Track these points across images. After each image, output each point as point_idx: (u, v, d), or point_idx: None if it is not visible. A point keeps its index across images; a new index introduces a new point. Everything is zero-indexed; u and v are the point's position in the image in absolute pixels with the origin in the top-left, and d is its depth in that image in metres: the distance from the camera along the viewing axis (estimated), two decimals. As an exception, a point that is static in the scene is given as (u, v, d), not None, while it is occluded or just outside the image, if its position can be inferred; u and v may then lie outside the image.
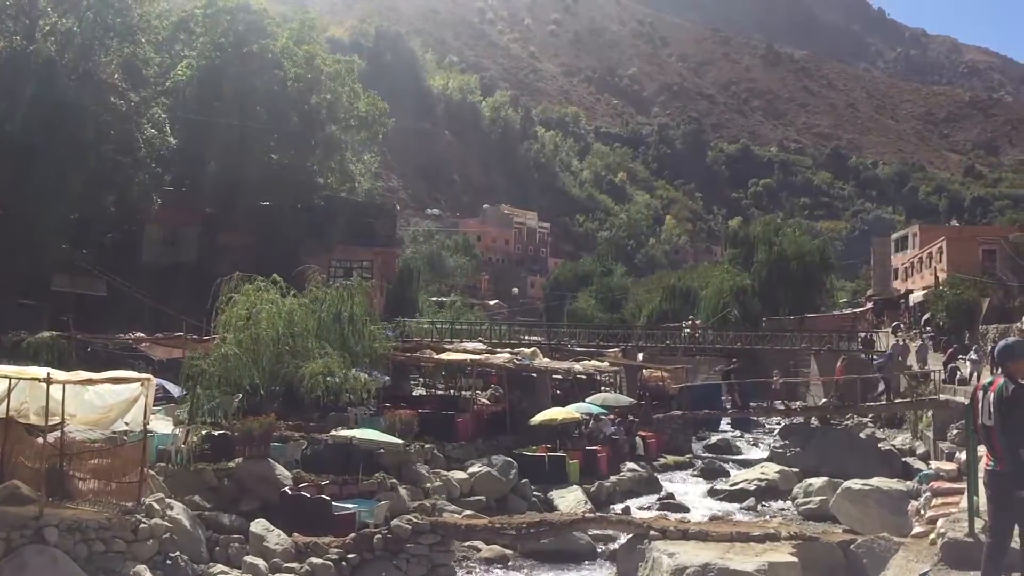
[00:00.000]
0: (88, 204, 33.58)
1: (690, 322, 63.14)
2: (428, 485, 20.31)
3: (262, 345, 20.95)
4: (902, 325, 61.11)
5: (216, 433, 18.74)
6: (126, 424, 14.04)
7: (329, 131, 45.45)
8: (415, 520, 14.71)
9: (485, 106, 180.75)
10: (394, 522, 14.79)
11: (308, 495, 16.64)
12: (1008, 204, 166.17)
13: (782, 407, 38.56)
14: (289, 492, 16.68)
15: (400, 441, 20.37)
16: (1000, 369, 7.11)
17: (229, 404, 20.04)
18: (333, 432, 20.71)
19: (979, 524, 8.38)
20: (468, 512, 19.24)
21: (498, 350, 37.32)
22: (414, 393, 35.41)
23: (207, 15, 43.77)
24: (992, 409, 6.85)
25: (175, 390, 22.60)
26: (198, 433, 18.31)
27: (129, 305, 33.60)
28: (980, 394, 7.13)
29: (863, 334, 53.08)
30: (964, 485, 10.58)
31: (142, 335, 26.19)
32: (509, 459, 23.28)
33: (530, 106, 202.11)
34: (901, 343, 46.18)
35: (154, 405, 15.87)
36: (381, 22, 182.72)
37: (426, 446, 22.51)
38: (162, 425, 18.36)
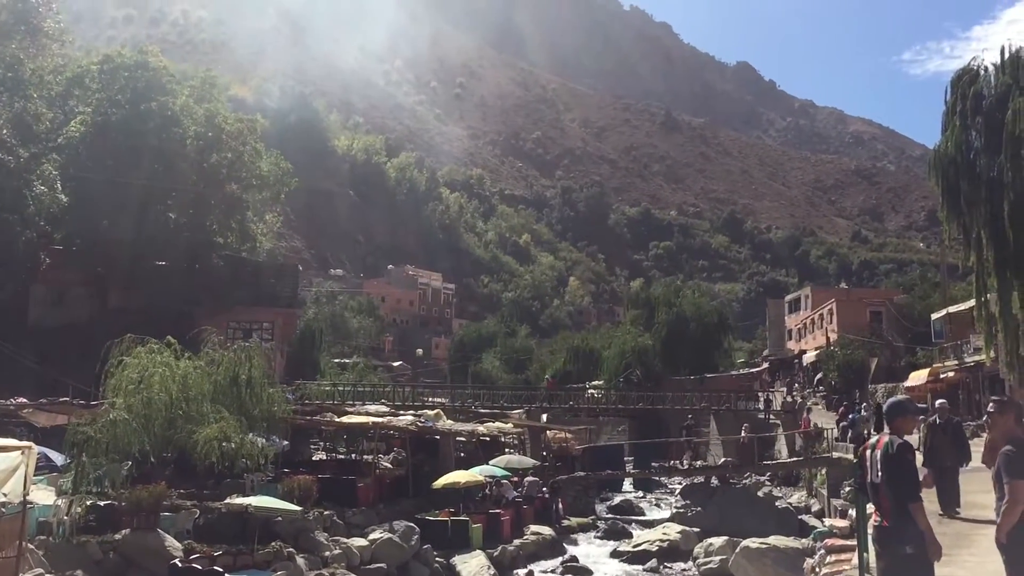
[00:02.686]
0: (-31, 263, 32.21)
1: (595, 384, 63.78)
2: (327, 553, 19.73)
3: (154, 410, 20.25)
4: (796, 384, 62.82)
5: (102, 504, 17.92)
6: (4, 495, 13.27)
7: (229, 190, 44.79)
8: (312, 591, 14.23)
9: (390, 167, 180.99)
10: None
11: (200, 567, 15.94)
12: (893, 268, 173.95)
13: (684, 467, 38.98)
14: (179, 564, 15.96)
15: (298, 508, 19.79)
16: (888, 426, 7.24)
17: (117, 473, 19.16)
18: (228, 500, 19.96)
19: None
20: (368, 581, 18.72)
21: (401, 412, 36.77)
22: (314, 458, 34.55)
23: (104, 71, 42.95)
24: (880, 466, 6.99)
25: (59, 458, 21.53)
26: (82, 504, 17.46)
27: (12, 369, 32.10)
28: (868, 452, 7.20)
29: (761, 394, 54.26)
30: (855, 542, 10.79)
31: (25, 400, 25.00)
32: (411, 524, 22.84)
33: (435, 168, 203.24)
34: (801, 401, 47.49)
35: (35, 475, 15.06)
36: (285, 82, 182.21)
37: (325, 512, 21.94)
38: (43, 496, 17.46)
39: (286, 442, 27.98)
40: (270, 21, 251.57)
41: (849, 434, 34.41)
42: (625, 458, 43.96)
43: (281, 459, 25.80)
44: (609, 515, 36.54)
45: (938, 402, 14.20)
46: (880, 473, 6.99)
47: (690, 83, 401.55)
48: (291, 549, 18.25)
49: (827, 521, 22.84)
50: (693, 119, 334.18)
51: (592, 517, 34.64)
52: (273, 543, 18.04)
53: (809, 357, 66.69)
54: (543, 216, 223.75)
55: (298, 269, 61.94)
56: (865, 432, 30.68)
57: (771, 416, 47.63)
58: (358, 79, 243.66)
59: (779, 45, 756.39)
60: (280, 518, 19.21)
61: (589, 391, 60.22)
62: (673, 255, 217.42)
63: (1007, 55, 26.55)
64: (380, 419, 32.04)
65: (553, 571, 23.48)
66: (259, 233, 50.65)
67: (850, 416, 34.86)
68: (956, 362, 41.81)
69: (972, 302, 30.55)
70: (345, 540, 21.18)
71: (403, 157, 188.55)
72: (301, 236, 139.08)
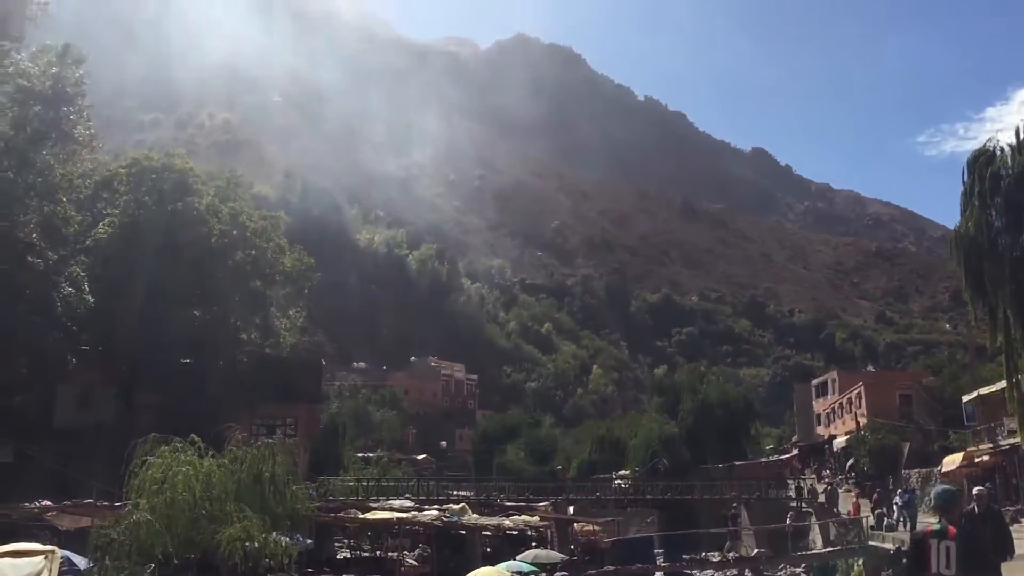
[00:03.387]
0: (-3, 365, 32.52)
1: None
2: (352, 656, 19.27)
3: (177, 510, 20.01)
4: (827, 471, 61.67)
5: (125, 608, 17.60)
6: (27, 602, 13.10)
7: (253, 287, 45.27)
8: None
9: (411, 259, 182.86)
10: None
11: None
12: (920, 349, 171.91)
13: (716, 559, 38.07)
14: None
15: (322, 609, 19.40)
16: (944, 515, 7.20)
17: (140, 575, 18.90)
18: (251, 602, 19.61)
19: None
20: None
21: (426, 507, 36.36)
22: (338, 556, 34.05)
23: (131, 174, 43.98)
24: (956, 555, 6.70)
25: (82, 562, 21.26)
26: (106, 609, 17.17)
27: (38, 471, 32.08)
28: (933, 542, 7.00)
29: (791, 481, 53.29)
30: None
31: (49, 503, 24.87)
32: (438, 624, 22.32)
33: (456, 259, 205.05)
34: (832, 488, 46.51)
35: (58, 580, 14.86)
36: (307, 178, 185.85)
37: (350, 613, 21.49)
38: (66, 601, 17.20)
39: (310, 540, 27.62)
40: (293, 120, 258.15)
41: (904, 514, 33.42)
42: (655, 550, 42.97)
43: (305, 558, 25.42)
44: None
45: (976, 489, 13.33)
46: (952, 564, 6.69)
47: (707, 169, 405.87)
48: (316, 653, 17.83)
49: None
50: (711, 205, 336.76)
51: (623, 613, 33.70)
52: (297, 647, 17.63)
53: (839, 442, 65.59)
54: (564, 305, 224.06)
55: (321, 364, 62.06)
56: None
57: (803, 504, 46.63)
58: (378, 173, 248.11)
59: (793, 130, 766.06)
60: (304, 620, 18.82)
61: (616, 481, 59.35)
62: (696, 341, 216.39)
63: (1022, 136, 26.73)
64: (405, 515, 31.64)
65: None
66: (282, 328, 50.97)
67: (906, 496, 34.00)
68: (990, 445, 40.99)
69: (1003, 383, 30.09)
70: (371, 642, 20.71)
71: (424, 249, 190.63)
72: (324, 330, 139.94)
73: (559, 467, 74.01)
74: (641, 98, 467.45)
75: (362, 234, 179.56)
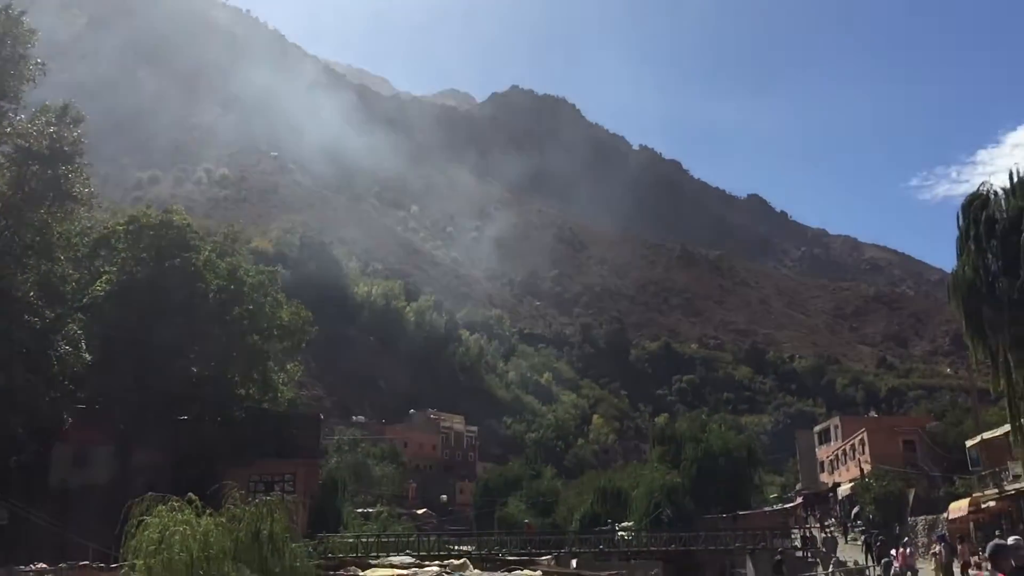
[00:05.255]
0: (-7, 426, 32.23)
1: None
2: None
3: (174, 571, 19.68)
4: (833, 519, 61.04)
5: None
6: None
7: (251, 341, 45.11)
8: None
9: (410, 311, 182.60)
10: None
11: None
12: (922, 394, 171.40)
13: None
14: None
15: (322, 672, 18.98)
16: (993, 566, 8.47)
17: (136, 640, 18.53)
18: (250, 665, 19.21)
19: None
20: None
21: (426, 563, 35.83)
22: (339, 614, 33.42)
23: (129, 231, 44.07)
24: None
25: (77, 626, 20.95)
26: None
27: (34, 532, 31.66)
28: None
29: (796, 530, 52.72)
30: None
31: (44, 566, 24.51)
32: None
33: (454, 310, 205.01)
34: (829, 536, 45.99)
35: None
36: (305, 232, 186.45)
37: (351, 675, 21.04)
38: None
39: (309, 599, 27.13)
40: (290, 175, 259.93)
41: (891, 570, 33.07)
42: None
43: (304, 618, 24.95)
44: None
45: (1012, 539, 10.83)
46: None
47: (703, 217, 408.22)
48: None
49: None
50: (709, 252, 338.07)
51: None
52: None
53: (844, 490, 65.01)
54: (563, 354, 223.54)
55: (320, 419, 61.61)
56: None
57: (810, 554, 46.07)
58: (376, 225, 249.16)
59: (788, 176, 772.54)
60: None
61: (619, 533, 58.65)
62: (697, 389, 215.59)
63: (1016, 179, 26.85)
64: (405, 571, 31.17)
65: None
66: (280, 383, 50.72)
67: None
68: (996, 490, 40.59)
69: (1007, 427, 29.88)
70: None
71: (422, 301, 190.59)
72: (322, 384, 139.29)
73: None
74: (636, 147, 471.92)
75: (360, 287, 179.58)
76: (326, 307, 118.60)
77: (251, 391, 47.12)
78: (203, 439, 40.64)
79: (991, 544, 8.78)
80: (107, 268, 43.37)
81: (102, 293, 41.40)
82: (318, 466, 52.63)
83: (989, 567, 8.68)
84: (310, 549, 30.90)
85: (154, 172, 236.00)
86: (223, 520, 22.14)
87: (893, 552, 35.53)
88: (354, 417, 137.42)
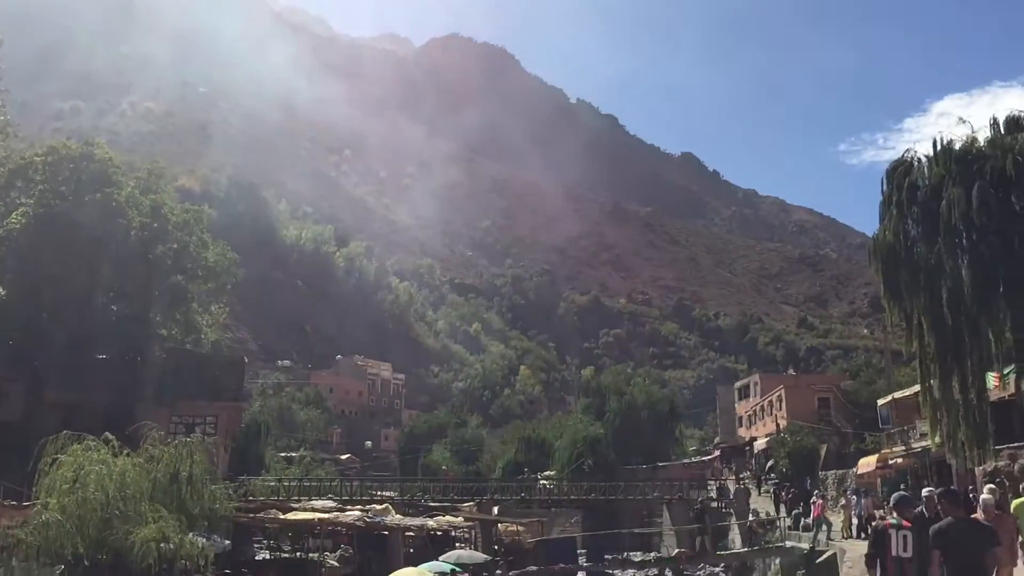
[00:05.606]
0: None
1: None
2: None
3: (89, 510, 19.37)
4: (748, 472, 62.74)
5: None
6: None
7: (174, 281, 44.18)
8: None
9: (339, 257, 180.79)
10: None
11: None
12: (839, 353, 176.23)
13: (637, 559, 38.41)
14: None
15: (239, 612, 18.98)
16: (898, 514, 9.26)
17: (48, 578, 18.28)
18: (165, 605, 19.10)
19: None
20: None
21: (348, 507, 35.91)
22: (257, 557, 33.37)
23: (48, 163, 42.51)
24: (913, 542, 8.76)
25: (-14, 563, 20.49)
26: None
27: (-60, 469, 30.76)
28: (893, 532, 8.90)
29: (712, 482, 54.11)
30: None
31: (-49, 502, 23.88)
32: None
33: (385, 257, 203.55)
34: (743, 488, 47.34)
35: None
36: (234, 172, 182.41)
37: (268, 616, 21.06)
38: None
39: (228, 541, 27.00)
40: (220, 113, 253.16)
41: (801, 522, 34.14)
42: (578, 551, 43.16)
43: (222, 560, 24.87)
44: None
45: (926, 491, 10.91)
46: (911, 548, 8.69)
47: (636, 173, 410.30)
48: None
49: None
50: (640, 208, 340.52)
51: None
52: (212, 650, 17.21)
53: (760, 444, 66.82)
54: (493, 305, 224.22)
55: (244, 361, 60.90)
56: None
57: (724, 505, 47.37)
58: (308, 168, 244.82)
59: (721, 135, 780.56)
60: (220, 623, 18.39)
61: (541, 482, 59.51)
62: (623, 343, 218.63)
63: (939, 147, 27.38)
64: (326, 515, 31.19)
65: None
66: (204, 325, 49.83)
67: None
68: (903, 448, 42.08)
69: (917, 387, 30.86)
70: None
71: (352, 247, 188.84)
72: (248, 327, 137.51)
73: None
74: (573, 100, 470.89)
75: (289, 230, 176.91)
76: (254, 250, 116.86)
77: (173, 332, 46.24)
78: (121, 379, 39.84)
79: (895, 495, 9.77)
80: (24, 200, 41.86)
81: (18, 226, 39.98)
82: (241, 409, 51.98)
83: (895, 514, 9.32)
84: (230, 491, 30.67)
85: (76, 103, 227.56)
86: (140, 460, 21.83)
87: (804, 505, 36.75)
88: (280, 362, 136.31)
